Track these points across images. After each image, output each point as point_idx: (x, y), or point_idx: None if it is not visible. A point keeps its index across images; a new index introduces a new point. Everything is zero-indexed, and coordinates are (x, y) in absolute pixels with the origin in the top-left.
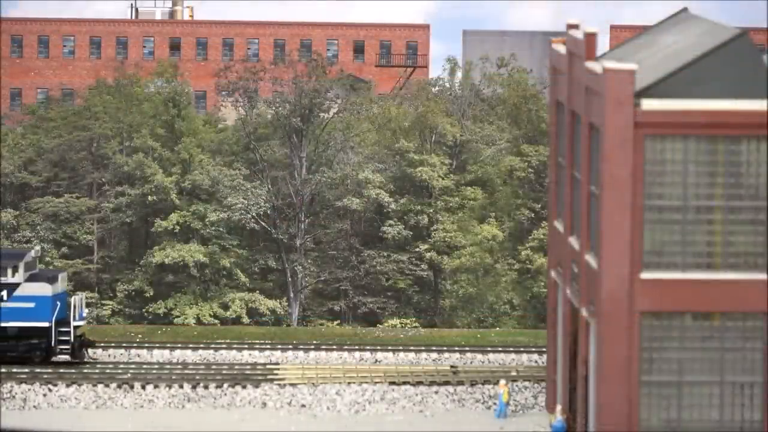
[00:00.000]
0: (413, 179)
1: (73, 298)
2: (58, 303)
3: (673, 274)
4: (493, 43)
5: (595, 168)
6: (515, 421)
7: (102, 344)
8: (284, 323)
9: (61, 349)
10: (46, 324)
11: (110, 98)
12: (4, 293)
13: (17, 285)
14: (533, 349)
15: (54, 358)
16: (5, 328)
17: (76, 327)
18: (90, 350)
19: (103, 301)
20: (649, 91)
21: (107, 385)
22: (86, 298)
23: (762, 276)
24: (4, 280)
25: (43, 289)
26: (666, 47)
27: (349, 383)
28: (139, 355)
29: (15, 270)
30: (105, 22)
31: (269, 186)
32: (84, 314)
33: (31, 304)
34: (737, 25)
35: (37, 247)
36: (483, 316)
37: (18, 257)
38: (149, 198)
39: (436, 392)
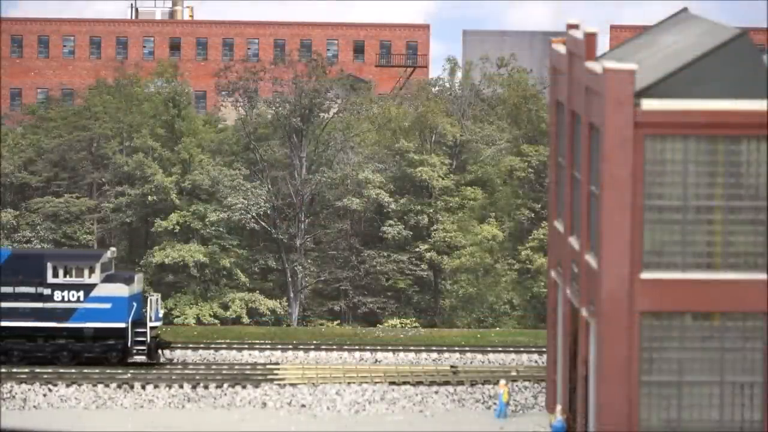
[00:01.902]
0: (413, 179)
1: (149, 298)
2: (134, 304)
3: (673, 274)
4: (493, 43)
5: (595, 168)
6: (515, 421)
7: None
8: (284, 323)
9: (137, 350)
10: (122, 325)
11: (110, 98)
12: (81, 294)
13: (94, 286)
14: (533, 349)
15: (129, 359)
16: (81, 329)
17: (152, 328)
18: (165, 351)
19: None
20: (649, 91)
21: (107, 385)
22: None
23: (762, 276)
24: (80, 281)
25: (119, 289)
26: (666, 47)
27: (349, 383)
28: None
29: (91, 271)
30: (105, 22)
31: (269, 186)
32: (160, 315)
33: (108, 305)
34: (737, 25)
35: (113, 248)
36: (483, 316)
37: (94, 258)
38: (149, 198)
39: (436, 392)
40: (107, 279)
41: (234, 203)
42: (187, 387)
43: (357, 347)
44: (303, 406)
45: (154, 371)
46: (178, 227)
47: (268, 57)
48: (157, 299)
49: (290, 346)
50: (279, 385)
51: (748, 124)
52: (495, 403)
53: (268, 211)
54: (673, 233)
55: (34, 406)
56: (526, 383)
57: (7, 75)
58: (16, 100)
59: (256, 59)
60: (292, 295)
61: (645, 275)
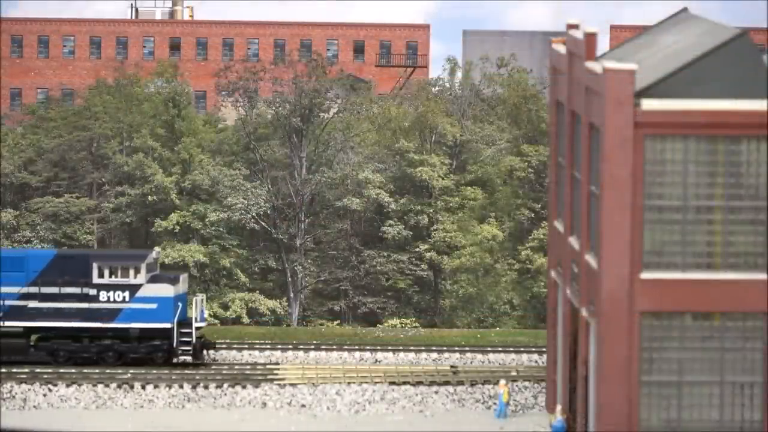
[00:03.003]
0: (413, 179)
1: (194, 299)
2: (180, 304)
3: (673, 274)
4: (493, 43)
5: (595, 168)
6: (515, 421)
7: None
8: (284, 323)
9: (183, 350)
10: (168, 325)
11: (110, 98)
12: (127, 294)
13: (139, 286)
14: (533, 349)
15: (175, 360)
16: (127, 329)
17: (197, 328)
18: (210, 351)
19: None
20: (649, 91)
21: (107, 385)
22: None
23: (762, 276)
24: (126, 281)
25: (165, 290)
26: (666, 47)
27: (349, 383)
28: None
29: (137, 271)
30: (105, 22)
31: (269, 186)
32: (205, 315)
33: (153, 305)
34: (737, 25)
35: (158, 249)
36: (483, 316)
37: (140, 258)
38: (149, 198)
39: (436, 392)
40: (152, 279)
41: (234, 203)
42: (187, 387)
43: (357, 347)
44: (303, 406)
45: (154, 371)
46: (178, 227)
47: (268, 57)
48: (202, 299)
49: (290, 346)
50: (279, 385)
51: (748, 124)
52: (495, 403)
53: (268, 211)
54: (673, 233)
55: (34, 406)
56: (526, 383)
57: (7, 75)
58: (16, 100)
59: (256, 59)
60: (292, 295)
61: (645, 275)
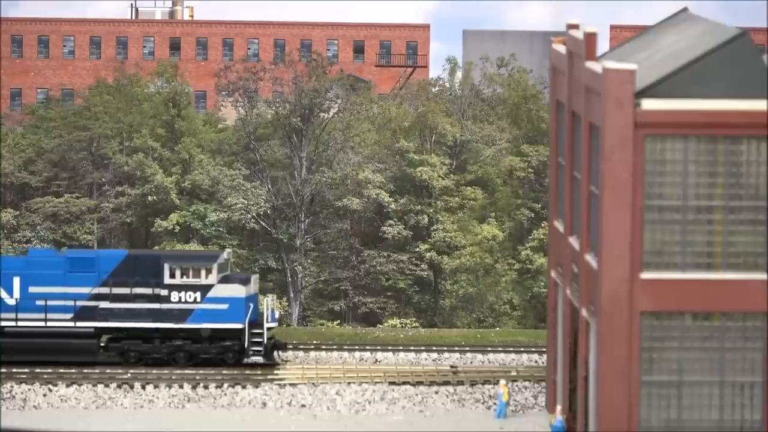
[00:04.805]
0: (413, 179)
1: (264, 299)
2: (251, 305)
3: (673, 274)
4: (493, 43)
5: (595, 168)
6: (515, 421)
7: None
8: (284, 323)
9: (254, 350)
10: (239, 326)
11: (110, 98)
12: (198, 295)
13: (211, 287)
14: (533, 349)
15: (246, 360)
16: (198, 330)
17: (268, 329)
18: (281, 352)
19: None
20: (649, 91)
21: (107, 385)
22: None
23: (762, 276)
24: (197, 281)
25: (236, 290)
26: (666, 47)
27: (349, 383)
28: None
29: (208, 272)
30: (105, 22)
31: (269, 186)
32: (276, 316)
33: (225, 306)
34: (737, 25)
35: (229, 250)
36: (483, 316)
37: (211, 259)
38: (149, 198)
39: (436, 392)
40: (224, 280)
41: (234, 203)
42: (187, 387)
43: (357, 347)
44: (303, 406)
45: (155, 371)
46: (178, 227)
47: (268, 57)
48: (272, 300)
49: (290, 346)
50: (279, 385)
51: (748, 124)
52: (495, 403)
53: (268, 211)
54: (673, 233)
55: (34, 406)
56: (526, 383)
57: (7, 75)
58: (16, 100)
59: (256, 59)
60: (292, 295)
61: (645, 275)
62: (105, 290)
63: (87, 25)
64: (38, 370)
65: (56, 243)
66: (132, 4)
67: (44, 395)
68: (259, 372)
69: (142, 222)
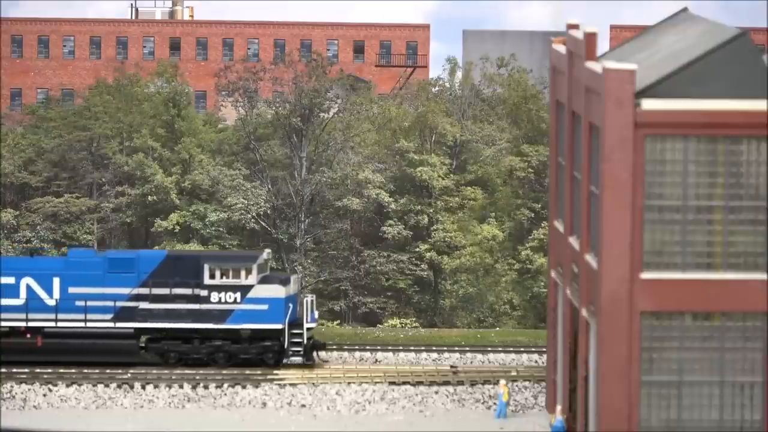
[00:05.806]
0: (413, 179)
1: (304, 299)
2: (291, 305)
3: (673, 274)
4: (493, 43)
5: (595, 168)
6: (515, 421)
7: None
8: None
9: (293, 351)
10: (279, 326)
11: (110, 98)
12: (238, 295)
13: (250, 287)
14: (533, 349)
15: (285, 361)
16: (238, 330)
17: (308, 329)
18: (321, 352)
19: None
20: (649, 91)
21: (107, 385)
22: None
23: (762, 276)
24: (237, 282)
25: (276, 291)
26: (666, 47)
27: (349, 383)
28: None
29: (248, 272)
30: (105, 22)
31: (269, 186)
32: (315, 316)
33: (264, 306)
34: (737, 25)
35: (268, 250)
36: (483, 316)
37: (251, 259)
38: (149, 198)
39: (436, 392)
40: (263, 280)
41: (234, 203)
42: (187, 387)
43: (357, 347)
44: (303, 406)
45: (155, 371)
46: (178, 227)
47: (268, 57)
48: (312, 300)
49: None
50: (279, 385)
51: (748, 124)
52: (495, 403)
53: (268, 211)
54: (673, 233)
55: (34, 406)
56: (526, 383)
57: (7, 75)
58: (16, 100)
59: (256, 59)
60: None
61: (645, 275)
62: (145, 291)
63: (87, 25)
64: (38, 370)
65: (56, 243)
66: (132, 4)
67: (44, 395)
68: (259, 372)
69: (142, 222)
